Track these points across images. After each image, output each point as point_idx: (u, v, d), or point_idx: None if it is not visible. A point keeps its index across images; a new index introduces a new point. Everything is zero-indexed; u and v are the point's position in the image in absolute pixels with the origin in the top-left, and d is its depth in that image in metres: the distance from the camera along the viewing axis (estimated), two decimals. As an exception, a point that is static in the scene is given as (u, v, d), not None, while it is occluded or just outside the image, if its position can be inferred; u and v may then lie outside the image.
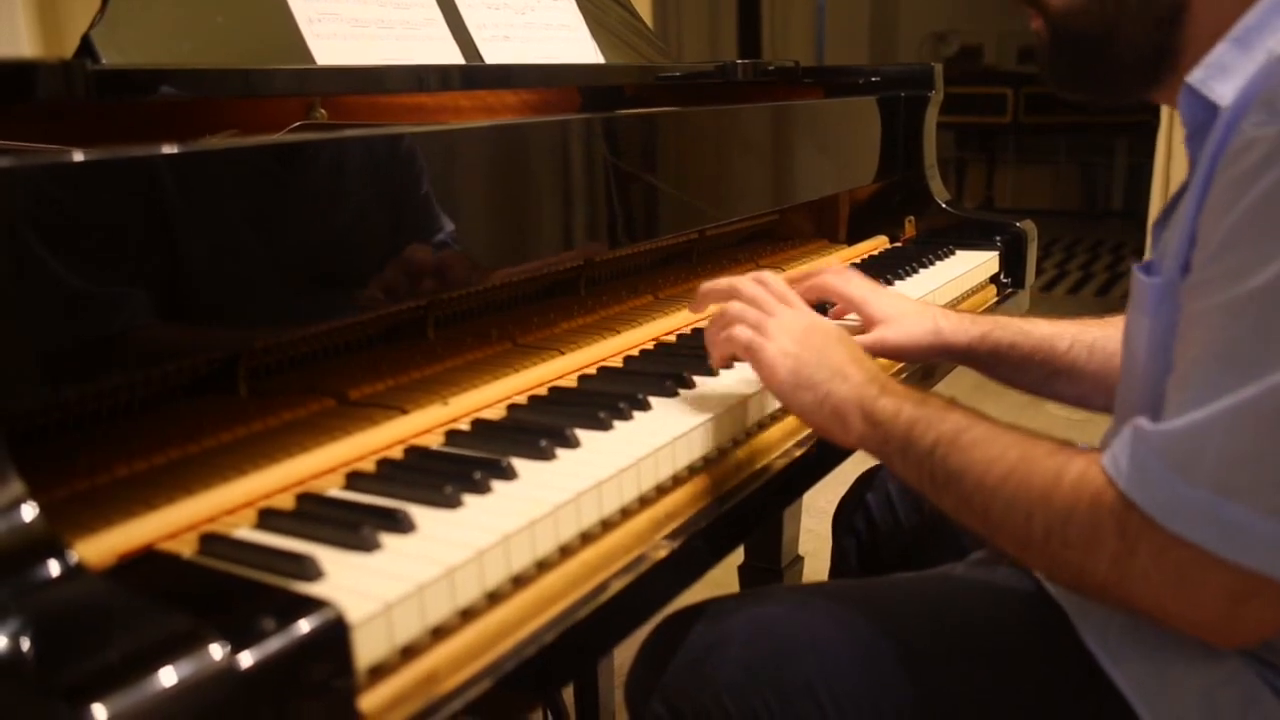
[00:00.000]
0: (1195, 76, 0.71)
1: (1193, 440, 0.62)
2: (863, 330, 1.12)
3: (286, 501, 0.72)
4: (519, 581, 0.67)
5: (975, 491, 0.73)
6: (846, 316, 1.18)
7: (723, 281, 0.97)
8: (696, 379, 0.95)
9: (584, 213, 1.06)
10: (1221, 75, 0.70)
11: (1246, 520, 0.61)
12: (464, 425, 0.87)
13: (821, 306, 1.23)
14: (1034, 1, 0.83)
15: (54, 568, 0.55)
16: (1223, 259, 0.63)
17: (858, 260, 1.58)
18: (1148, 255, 0.80)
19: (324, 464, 0.77)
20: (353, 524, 0.65)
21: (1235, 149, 0.63)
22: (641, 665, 0.93)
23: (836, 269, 1.21)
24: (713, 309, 0.97)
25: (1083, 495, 0.67)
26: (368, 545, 0.64)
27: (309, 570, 0.60)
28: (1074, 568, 0.69)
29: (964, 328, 1.10)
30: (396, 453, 0.81)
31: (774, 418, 0.97)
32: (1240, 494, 0.61)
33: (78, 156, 0.63)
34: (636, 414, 0.88)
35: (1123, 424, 0.77)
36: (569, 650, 0.68)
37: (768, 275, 0.97)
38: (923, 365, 1.26)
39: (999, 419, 0.76)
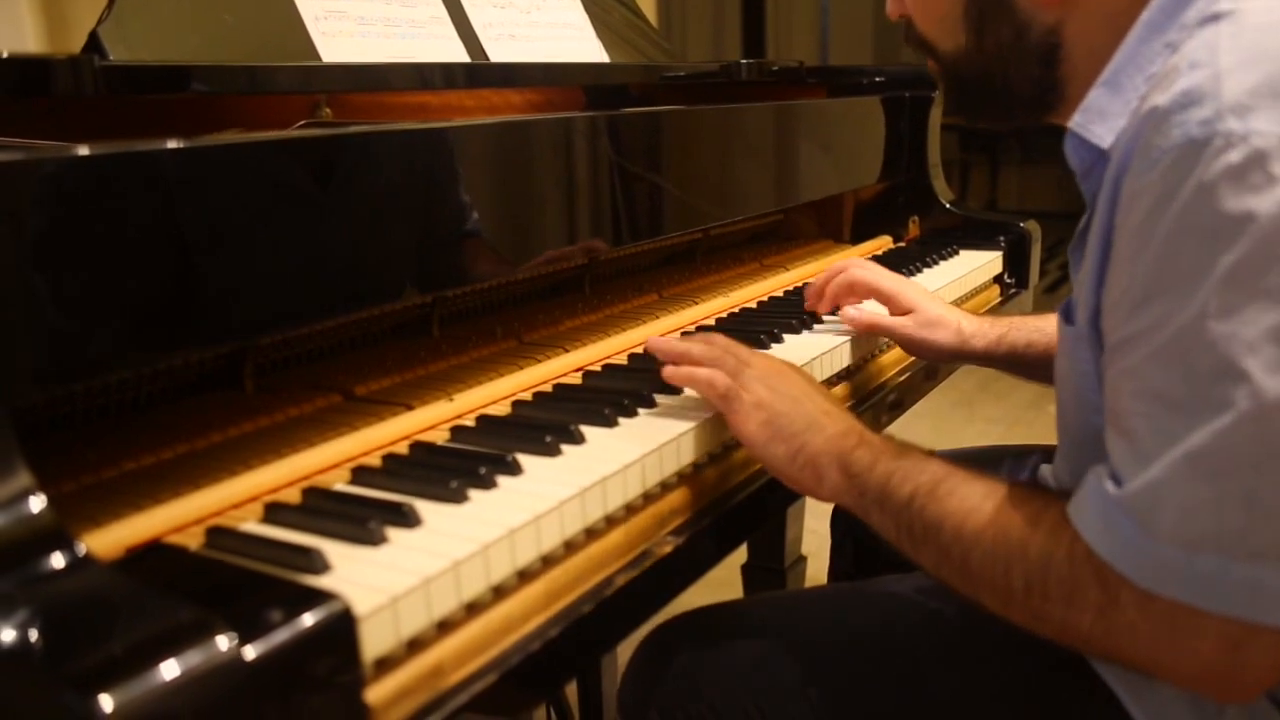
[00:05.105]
0: (1075, 121, 0.75)
1: (1153, 497, 0.61)
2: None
3: (293, 496, 0.72)
4: (524, 576, 0.68)
5: (954, 542, 0.72)
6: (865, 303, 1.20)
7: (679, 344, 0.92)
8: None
9: (589, 211, 1.07)
10: (1100, 118, 0.73)
11: (1220, 570, 0.60)
12: (469, 421, 0.87)
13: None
14: (927, 49, 0.88)
15: (62, 559, 0.55)
16: (1140, 314, 0.63)
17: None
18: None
19: (330, 459, 0.77)
20: (359, 518, 0.65)
21: (1127, 198, 0.65)
22: (633, 677, 0.93)
23: (859, 262, 1.22)
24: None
25: (1059, 545, 0.66)
26: (374, 539, 0.64)
27: (315, 563, 0.60)
28: (1057, 622, 0.67)
29: (984, 331, 1.13)
30: (402, 448, 0.81)
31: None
32: (1207, 544, 0.60)
33: (84, 151, 0.63)
34: (641, 411, 0.88)
35: (1065, 453, 0.81)
36: (574, 645, 0.68)
37: (717, 336, 0.92)
38: (928, 365, 1.26)
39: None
